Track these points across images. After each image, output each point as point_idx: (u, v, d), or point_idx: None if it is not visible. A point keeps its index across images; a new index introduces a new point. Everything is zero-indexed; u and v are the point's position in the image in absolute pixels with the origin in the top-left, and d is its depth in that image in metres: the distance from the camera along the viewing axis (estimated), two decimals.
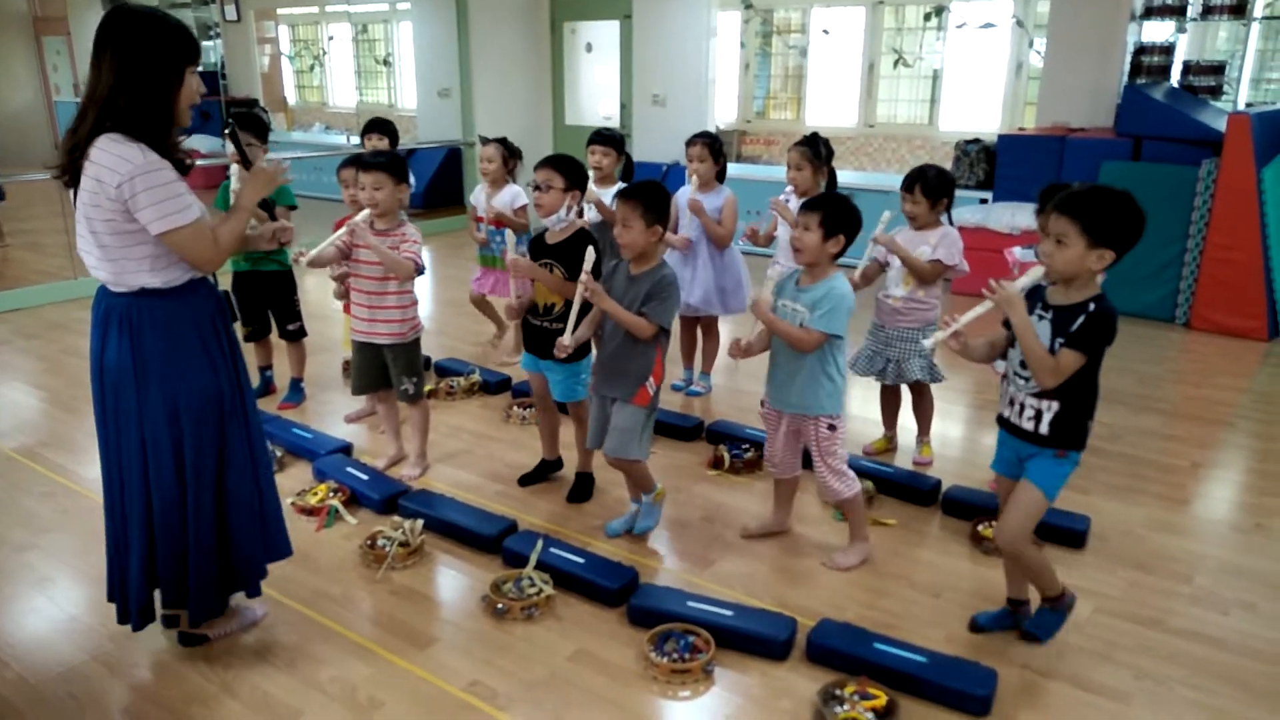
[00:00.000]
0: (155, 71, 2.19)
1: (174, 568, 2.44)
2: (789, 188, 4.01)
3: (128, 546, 2.44)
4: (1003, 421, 2.52)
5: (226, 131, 2.29)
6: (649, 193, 2.93)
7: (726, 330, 5.51)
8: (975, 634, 2.69)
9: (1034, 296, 2.42)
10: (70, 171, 2.21)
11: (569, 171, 3.24)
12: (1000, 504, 2.63)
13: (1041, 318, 2.36)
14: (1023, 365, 2.40)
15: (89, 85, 2.19)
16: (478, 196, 4.79)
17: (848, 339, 2.92)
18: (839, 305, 2.82)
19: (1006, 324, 2.47)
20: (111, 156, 2.15)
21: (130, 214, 2.19)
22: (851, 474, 3.01)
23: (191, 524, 2.41)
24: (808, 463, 3.13)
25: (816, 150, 3.94)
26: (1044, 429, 2.39)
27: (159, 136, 2.22)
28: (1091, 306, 2.29)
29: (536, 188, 3.25)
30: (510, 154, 4.74)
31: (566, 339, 2.98)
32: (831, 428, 2.94)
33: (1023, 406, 2.42)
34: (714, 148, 4.22)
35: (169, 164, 2.22)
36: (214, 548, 2.47)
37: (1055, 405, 2.37)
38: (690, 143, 4.25)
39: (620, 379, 3.01)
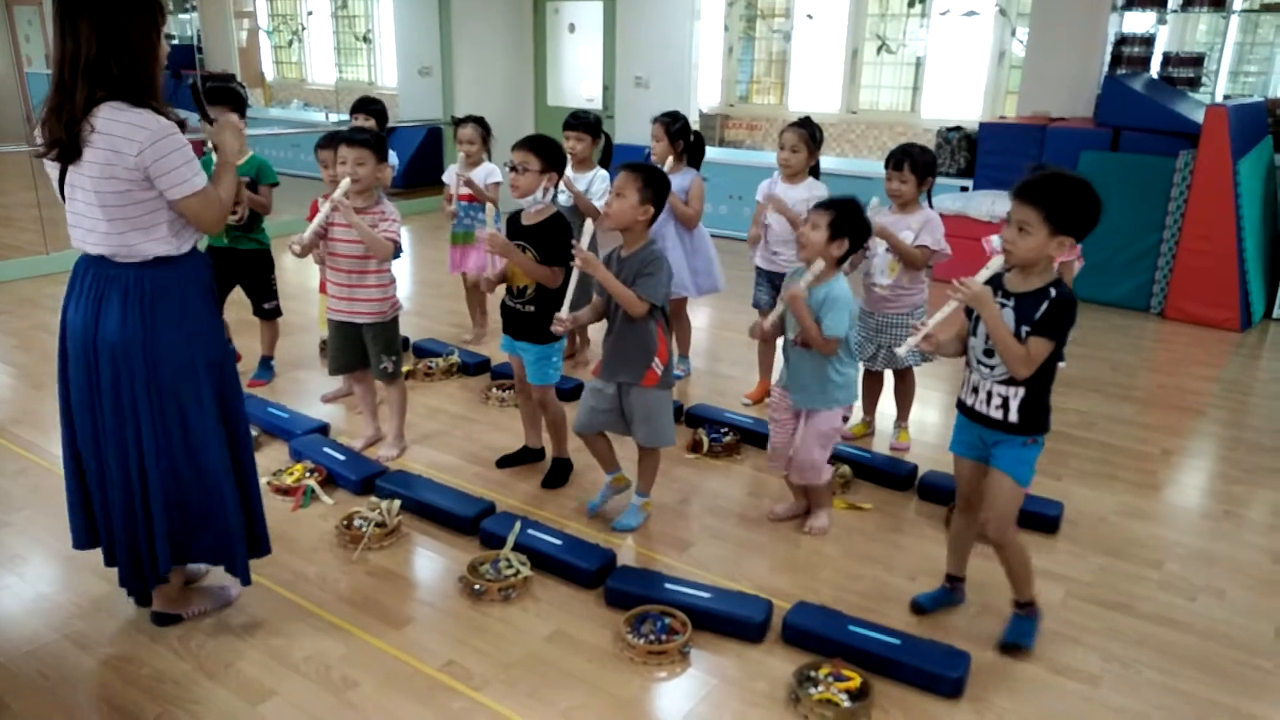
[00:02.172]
0: (137, 34, 2.16)
1: (198, 530, 2.48)
2: (776, 173, 3.99)
3: (146, 518, 2.40)
4: (965, 408, 2.52)
5: (190, 84, 2.30)
6: (651, 173, 2.93)
7: (705, 314, 5.51)
8: (919, 615, 2.72)
9: (992, 284, 2.43)
10: (70, 146, 2.13)
11: (546, 153, 3.21)
12: (959, 486, 2.64)
13: (1003, 305, 2.36)
14: (986, 354, 2.40)
15: (66, 54, 2.12)
16: (450, 175, 4.76)
17: (851, 333, 2.98)
18: (838, 308, 2.86)
19: (968, 311, 2.49)
20: (124, 125, 2.12)
21: (149, 182, 2.17)
22: (829, 466, 3.11)
23: (212, 485, 2.43)
24: None
25: (813, 133, 3.90)
26: (1013, 416, 2.39)
27: (151, 98, 2.19)
28: (1053, 292, 2.30)
29: (513, 168, 3.21)
30: (487, 132, 4.73)
31: (564, 312, 2.95)
32: (846, 419, 3.02)
33: (989, 394, 2.42)
34: (670, 129, 4.14)
35: (177, 128, 2.21)
36: (239, 504, 2.50)
37: (1021, 391, 2.37)
38: (653, 121, 4.21)
39: (626, 363, 3.00)
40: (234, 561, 2.54)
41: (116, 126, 2.12)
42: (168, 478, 2.39)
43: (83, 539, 2.55)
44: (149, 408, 2.32)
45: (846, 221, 2.85)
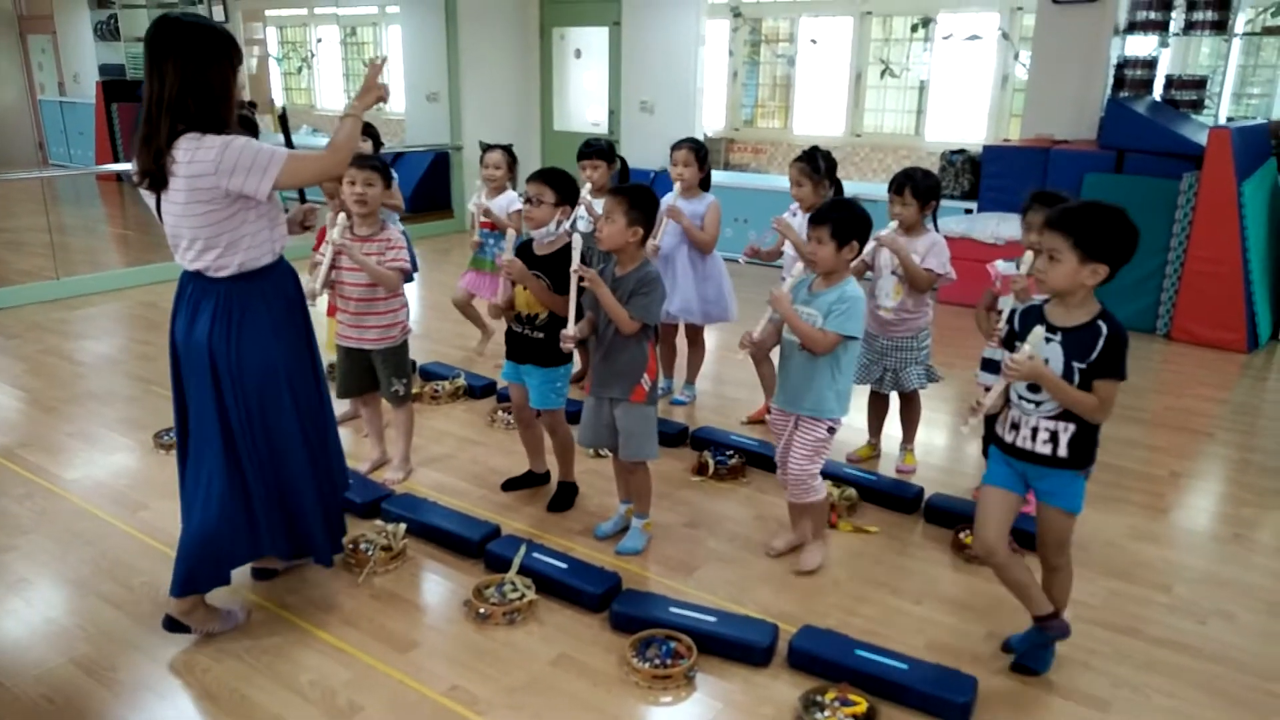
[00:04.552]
0: (217, 75, 2.38)
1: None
2: (794, 204, 4.00)
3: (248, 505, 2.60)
4: (1004, 445, 2.45)
5: (280, 115, 2.50)
6: (637, 194, 2.98)
7: (712, 337, 5.52)
8: (1006, 653, 2.63)
9: (1033, 316, 2.38)
10: (159, 175, 2.35)
11: (560, 186, 3.24)
12: (987, 514, 2.48)
13: (1049, 340, 2.31)
14: (1030, 389, 2.35)
15: (154, 93, 2.34)
16: (476, 202, 4.78)
17: (859, 343, 2.95)
18: (853, 307, 2.83)
19: (1007, 343, 2.48)
20: (197, 151, 2.32)
21: (231, 197, 2.37)
22: (821, 480, 3.05)
23: (294, 487, 2.65)
24: None
25: (815, 165, 3.88)
26: (1062, 451, 2.35)
27: (224, 129, 2.40)
28: (1104, 328, 2.26)
29: (528, 200, 3.25)
30: (513, 160, 4.75)
31: (570, 330, 2.99)
32: (831, 430, 2.97)
33: (1035, 430, 2.36)
34: (699, 153, 4.23)
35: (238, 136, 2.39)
36: (318, 505, 2.73)
37: (1073, 427, 2.33)
38: (675, 147, 4.25)
39: (616, 378, 3.03)
40: (316, 554, 2.78)
41: (191, 155, 2.32)
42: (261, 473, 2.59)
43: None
44: (235, 407, 2.50)
45: (847, 225, 2.83)
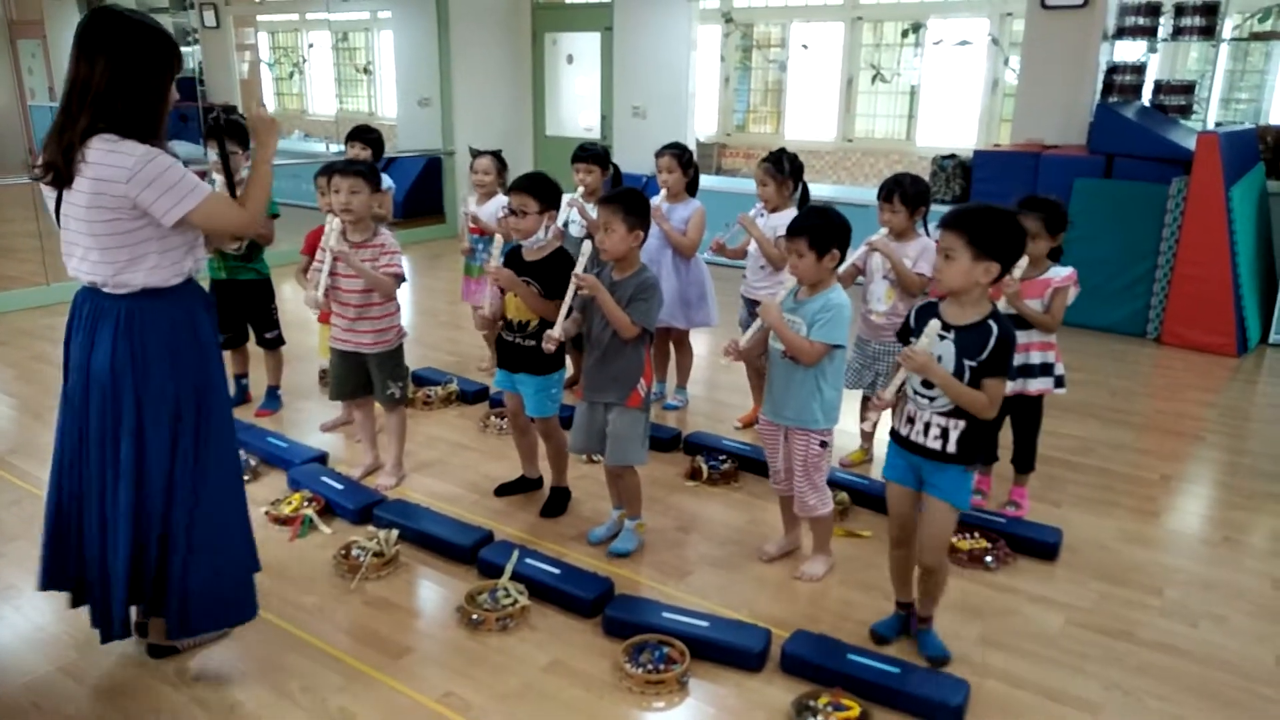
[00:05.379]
0: (150, 75, 2.20)
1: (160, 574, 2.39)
2: (759, 204, 4.03)
3: (112, 553, 2.33)
4: (899, 438, 2.54)
5: (213, 117, 2.31)
6: (629, 198, 2.97)
7: (704, 342, 5.52)
8: (880, 645, 2.69)
9: (929, 313, 2.47)
10: (64, 171, 2.15)
11: (543, 193, 3.23)
12: (893, 510, 2.63)
13: (943, 338, 2.39)
14: (925, 384, 2.43)
15: (77, 82, 2.15)
16: (467, 209, 4.77)
17: (846, 351, 2.94)
18: (837, 316, 2.83)
19: (902, 338, 2.56)
20: (111, 155, 2.13)
21: (138, 211, 2.16)
22: (829, 492, 3.03)
23: (184, 530, 2.35)
24: None
25: (780, 165, 3.90)
26: (951, 448, 2.42)
27: (150, 138, 2.20)
28: (994, 328, 2.36)
29: (512, 212, 3.23)
30: (502, 166, 4.75)
31: (556, 331, 2.98)
32: (824, 444, 2.95)
33: (928, 425, 2.45)
34: (682, 159, 4.24)
35: (163, 150, 2.20)
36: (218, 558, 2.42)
37: (962, 424, 2.41)
38: (659, 154, 4.27)
39: (611, 383, 3.02)
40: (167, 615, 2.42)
41: (104, 157, 2.13)
42: (149, 516, 2.32)
43: (49, 581, 2.46)
44: (133, 441, 2.28)
45: (825, 235, 2.81)
